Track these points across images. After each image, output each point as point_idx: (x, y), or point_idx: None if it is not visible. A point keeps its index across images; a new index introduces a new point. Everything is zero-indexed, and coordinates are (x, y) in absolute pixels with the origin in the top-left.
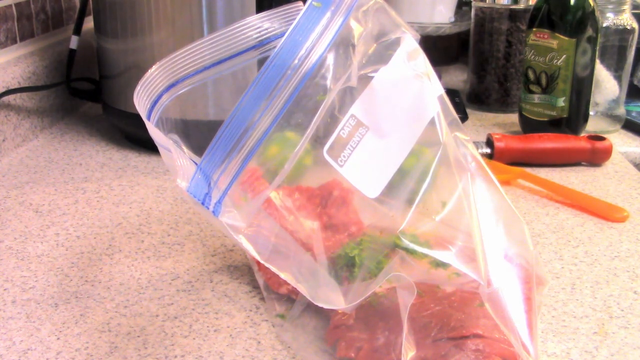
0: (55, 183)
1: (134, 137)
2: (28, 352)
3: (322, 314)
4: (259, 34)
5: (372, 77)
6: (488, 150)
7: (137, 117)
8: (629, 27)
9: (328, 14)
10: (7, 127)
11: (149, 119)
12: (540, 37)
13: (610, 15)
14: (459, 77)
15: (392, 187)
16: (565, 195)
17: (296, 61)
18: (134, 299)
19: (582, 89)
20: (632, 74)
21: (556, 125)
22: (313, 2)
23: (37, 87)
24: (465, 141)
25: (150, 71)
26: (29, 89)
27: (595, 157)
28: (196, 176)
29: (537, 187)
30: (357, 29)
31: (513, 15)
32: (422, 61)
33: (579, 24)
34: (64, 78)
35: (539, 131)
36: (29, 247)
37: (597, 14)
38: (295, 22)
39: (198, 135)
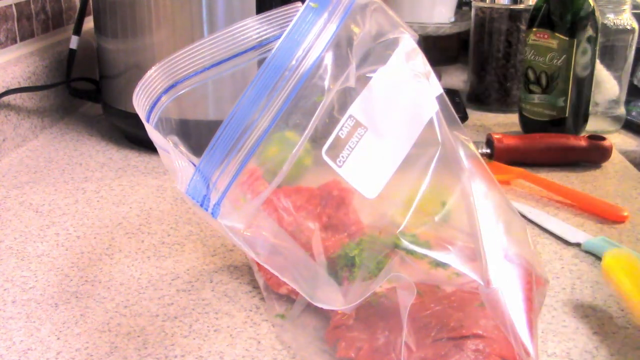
0: (55, 183)
1: (134, 137)
2: (28, 352)
3: (322, 314)
4: (258, 35)
5: (370, 78)
6: (488, 150)
7: (137, 117)
8: (629, 27)
9: (325, 15)
10: (7, 127)
11: (148, 120)
12: (540, 37)
13: (610, 15)
14: (459, 77)
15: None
16: (565, 195)
17: (294, 62)
18: (134, 299)
19: (582, 89)
20: (632, 74)
21: (556, 125)
22: (310, 3)
23: (37, 87)
24: (465, 141)
25: (149, 72)
26: (29, 89)
27: (595, 157)
28: (195, 178)
29: (537, 187)
30: (354, 29)
31: (513, 15)
32: (421, 61)
33: (579, 24)
34: (64, 78)
35: (539, 131)
36: (29, 247)
37: (597, 14)
38: (292, 23)
39: (198, 135)
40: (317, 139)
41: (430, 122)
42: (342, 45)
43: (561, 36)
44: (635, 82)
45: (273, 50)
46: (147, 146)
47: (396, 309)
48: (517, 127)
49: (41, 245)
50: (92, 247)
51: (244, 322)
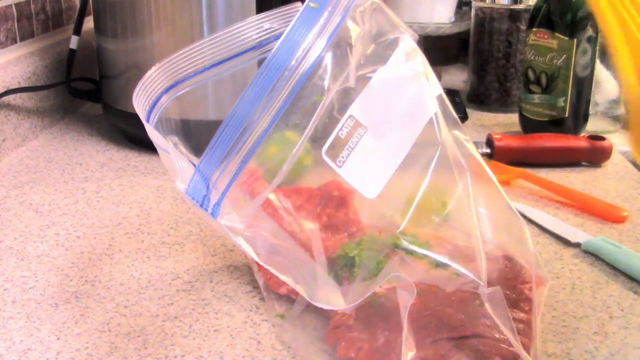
0: (55, 183)
1: (134, 137)
2: (28, 352)
3: (322, 314)
4: (258, 35)
5: (370, 78)
6: (488, 150)
7: (137, 117)
8: None
9: (325, 15)
10: (7, 127)
11: (148, 120)
12: (540, 37)
13: None
14: (459, 77)
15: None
16: (565, 195)
17: (294, 62)
18: (134, 299)
19: (582, 89)
20: None
21: (556, 125)
22: (310, 3)
23: (37, 87)
24: (465, 141)
25: (149, 73)
26: (29, 89)
27: (595, 157)
28: (194, 178)
29: (537, 187)
30: (354, 29)
31: (513, 15)
32: (421, 61)
33: (579, 24)
34: (64, 78)
35: (539, 131)
36: (29, 247)
37: None
38: (292, 23)
39: (198, 135)
40: (317, 139)
41: (430, 122)
42: (341, 45)
43: (561, 36)
44: None
45: (273, 50)
46: (147, 146)
47: (396, 309)
48: (517, 127)
49: (41, 245)
50: (92, 247)
51: (244, 322)
